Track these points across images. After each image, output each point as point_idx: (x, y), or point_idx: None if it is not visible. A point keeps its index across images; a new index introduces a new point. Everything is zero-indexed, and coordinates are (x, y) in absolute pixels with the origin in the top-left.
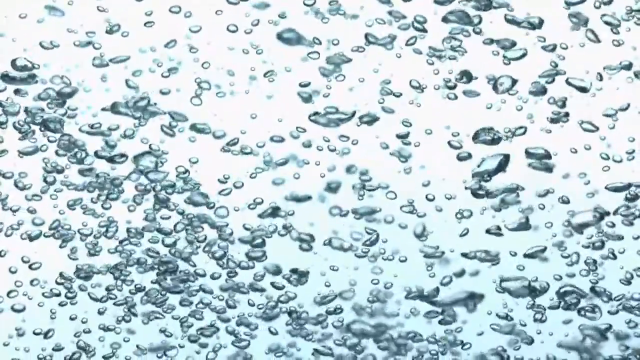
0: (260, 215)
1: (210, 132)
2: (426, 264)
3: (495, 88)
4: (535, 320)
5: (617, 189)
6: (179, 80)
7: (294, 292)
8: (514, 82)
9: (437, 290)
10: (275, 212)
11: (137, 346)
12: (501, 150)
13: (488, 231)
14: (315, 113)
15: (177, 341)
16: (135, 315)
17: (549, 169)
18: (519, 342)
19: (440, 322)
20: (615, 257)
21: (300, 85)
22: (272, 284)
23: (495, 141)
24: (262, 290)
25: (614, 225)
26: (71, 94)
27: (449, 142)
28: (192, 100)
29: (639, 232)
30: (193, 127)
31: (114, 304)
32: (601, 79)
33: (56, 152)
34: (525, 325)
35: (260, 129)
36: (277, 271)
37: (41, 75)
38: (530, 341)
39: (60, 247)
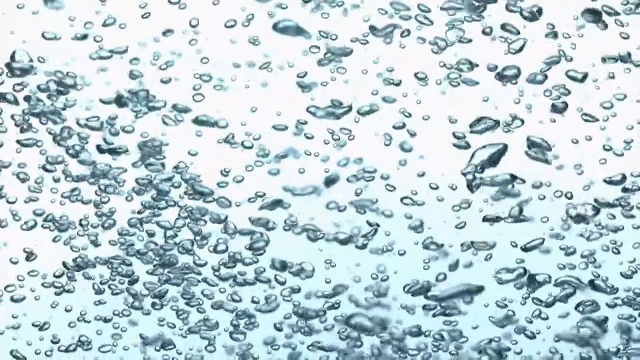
0: (261, 208)
1: (210, 124)
2: (423, 257)
3: (501, 77)
4: (533, 316)
5: (613, 182)
6: (178, 73)
7: (297, 285)
8: (519, 71)
9: (433, 284)
10: (276, 204)
11: (140, 335)
12: (498, 141)
13: (485, 219)
14: (314, 106)
15: (178, 333)
16: (138, 309)
17: (546, 160)
18: (520, 334)
19: (434, 315)
20: (618, 252)
21: (299, 76)
22: (276, 277)
23: (493, 127)
24: (268, 281)
25: (614, 217)
26: (71, 85)
27: (453, 133)
28: (191, 93)
29: (637, 223)
30: (194, 120)
31: (112, 293)
32: (613, 77)
33: (58, 143)
34: (531, 322)
35: (259, 121)
36: (283, 266)
37: (40, 67)
38: (530, 334)
39: (57, 238)
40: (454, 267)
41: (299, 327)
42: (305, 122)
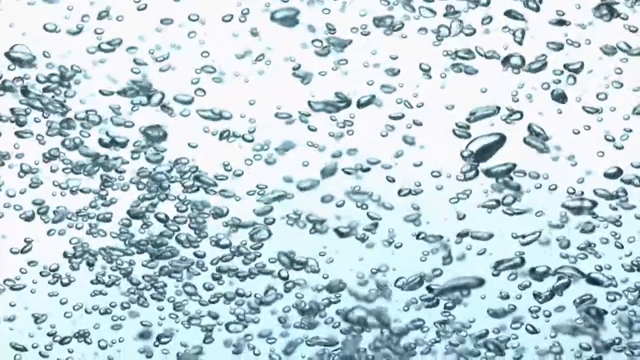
0: (264, 201)
1: (215, 117)
2: (422, 249)
3: (504, 62)
4: (530, 310)
5: (611, 175)
6: (176, 66)
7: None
8: (523, 60)
9: (428, 277)
10: (278, 199)
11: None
12: (498, 132)
13: (483, 206)
14: (314, 100)
15: (175, 327)
16: (137, 301)
17: (545, 148)
18: (518, 327)
19: (427, 306)
20: (621, 247)
21: (294, 68)
22: (280, 272)
23: (492, 114)
24: (270, 272)
25: (616, 209)
26: (70, 77)
27: (456, 124)
28: (190, 86)
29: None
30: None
31: (111, 284)
32: (621, 72)
33: (59, 133)
34: (536, 317)
35: (259, 114)
36: (291, 261)
37: (39, 59)
38: (531, 329)
39: (51, 231)
40: (447, 258)
41: (300, 321)
42: (308, 115)
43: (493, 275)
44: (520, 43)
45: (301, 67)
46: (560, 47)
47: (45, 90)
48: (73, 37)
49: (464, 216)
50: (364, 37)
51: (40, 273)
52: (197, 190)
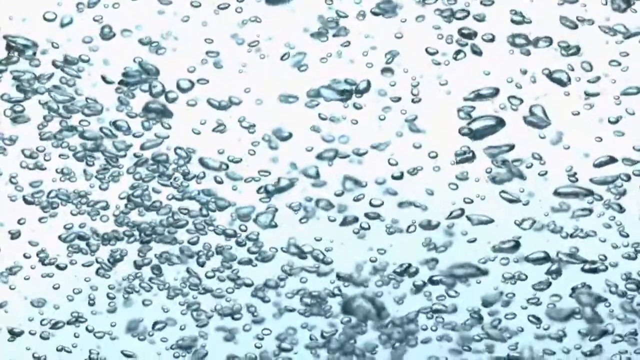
0: (269, 191)
1: (214, 107)
2: (419, 237)
3: (512, 43)
4: (529, 302)
5: (602, 163)
6: (173, 55)
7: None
8: (528, 40)
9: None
10: (281, 190)
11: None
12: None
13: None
14: (313, 87)
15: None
16: (136, 290)
17: (544, 124)
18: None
19: (414, 292)
20: (627, 236)
21: (282, 58)
22: (285, 268)
23: (492, 95)
24: (271, 258)
25: (618, 196)
26: (71, 63)
27: (461, 107)
28: (187, 75)
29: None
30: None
31: (105, 269)
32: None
33: (59, 114)
34: (547, 303)
35: (258, 101)
36: (301, 253)
37: (38, 48)
38: (530, 317)
39: (45, 217)
40: (442, 246)
41: (303, 308)
42: (313, 102)
43: (482, 262)
44: (528, 21)
45: (301, 55)
46: (574, 26)
47: (44, 77)
48: (70, 25)
49: (470, 201)
50: (362, 22)
51: (37, 254)
52: (192, 178)
